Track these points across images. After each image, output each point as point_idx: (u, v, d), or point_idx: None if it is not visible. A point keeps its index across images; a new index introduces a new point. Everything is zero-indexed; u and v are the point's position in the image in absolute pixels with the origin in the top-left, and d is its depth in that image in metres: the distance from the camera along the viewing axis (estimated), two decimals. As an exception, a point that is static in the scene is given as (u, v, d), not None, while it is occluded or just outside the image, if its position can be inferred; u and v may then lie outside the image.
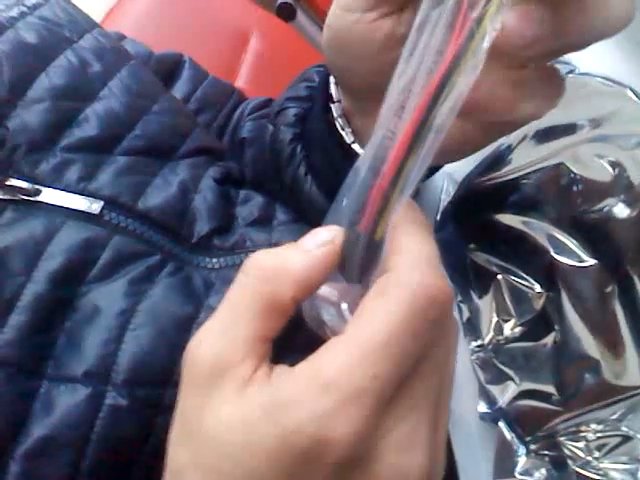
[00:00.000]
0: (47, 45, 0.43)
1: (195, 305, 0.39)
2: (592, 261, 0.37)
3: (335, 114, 0.38)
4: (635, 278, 0.35)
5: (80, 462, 0.34)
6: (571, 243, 0.38)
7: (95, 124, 0.42)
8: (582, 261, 0.37)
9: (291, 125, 0.45)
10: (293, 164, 0.45)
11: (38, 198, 0.38)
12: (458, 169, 0.49)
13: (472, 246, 0.43)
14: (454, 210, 0.47)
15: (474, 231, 0.44)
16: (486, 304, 0.41)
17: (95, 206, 0.39)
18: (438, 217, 0.48)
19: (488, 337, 0.40)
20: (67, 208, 0.38)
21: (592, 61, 0.42)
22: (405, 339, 0.20)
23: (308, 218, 0.47)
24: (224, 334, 0.22)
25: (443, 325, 0.21)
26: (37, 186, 0.38)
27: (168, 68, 0.57)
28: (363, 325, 0.20)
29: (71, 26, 0.46)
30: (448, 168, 0.49)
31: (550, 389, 0.36)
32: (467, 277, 0.43)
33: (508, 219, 0.42)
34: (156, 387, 0.36)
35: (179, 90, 0.56)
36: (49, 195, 0.38)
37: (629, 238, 0.37)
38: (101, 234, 0.38)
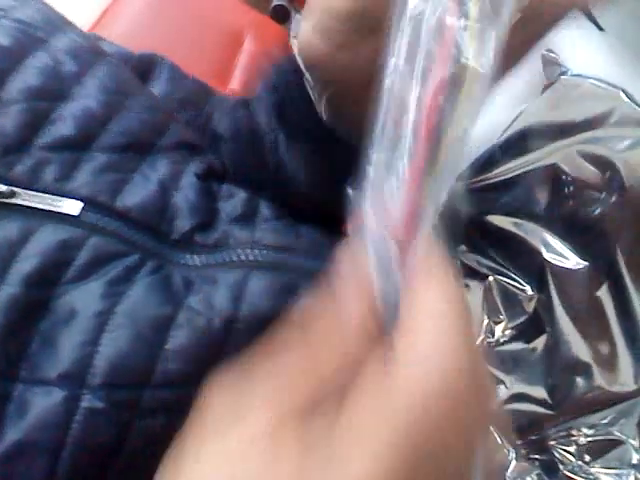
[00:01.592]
0: (21, 47, 0.43)
1: (173, 305, 0.38)
2: (584, 263, 0.36)
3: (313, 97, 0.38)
4: (627, 280, 0.35)
5: (56, 466, 0.33)
6: (563, 245, 0.38)
7: (71, 123, 0.42)
8: (574, 263, 0.37)
9: (268, 113, 0.45)
10: (275, 151, 0.45)
11: (13, 200, 0.37)
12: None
13: (463, 247, 0.43)
14: (445, 211, 0.46)
15: (465, 232, 0.44)
16: (477, 306, 0.40)
17: (72, 206, 0.39)
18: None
19: (479, 339, 0.39)
20: (43, 210, 0.38)
21: (585, 63, 0.42)
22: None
23: (294, 207, 0.47)
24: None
25: None
26: (13, 188, 0.37)
27: (145, 68, 0.56)
28: (360, 412, 0.20)
29: (46, 27, 0.46)
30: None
31: (541, 393, 0.35)
32: (457, 277, 0.42)
33: (499, 220, 0.41)
34: (133, 389, 0.35)
35: (157, 90, 0.55)
36: (25, 197, 0.38)
37: (621, 240, 0.36)
38: (78, 235, 0.38)
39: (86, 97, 0.44)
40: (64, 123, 0.42)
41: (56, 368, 0.34)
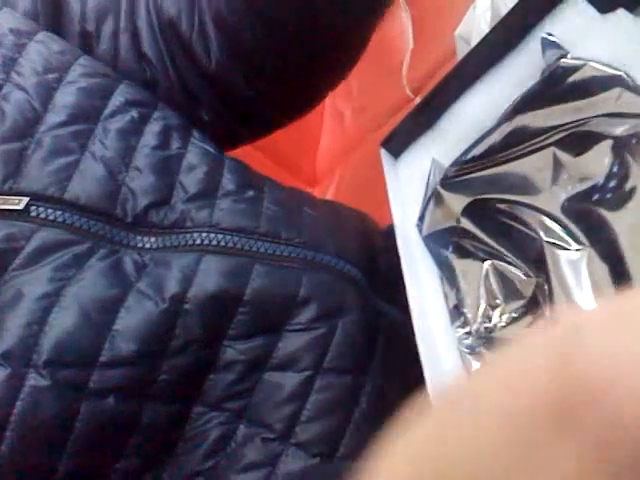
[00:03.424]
0: None
1: (123, 288, 0.39)
2: (584, 248, 0.36)
3: None
4: (628, 266, 0.34)
5: None
6: (562, 230, 0.37)
7: (9, 114, 0.42)
8: (573, 248, 0.36)
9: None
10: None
11: None
12: (445, 155, 0.47)
13: (459, 231, 0.42)
14: (441, 196, 0.46)
15: (462, 216, 0.43)
16: (473, 290, 0.40)
17: (18, 202, 0.39)
18: (425, 204, 0.47)
19: (475, 324, 0.39)
20: None
21: (586, 45, 0.42)
22: None
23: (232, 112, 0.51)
24: None
25: None
26: None
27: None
28: None
29: None
30: (435, 154, 0.48)
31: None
32: (454, 263, 0.42)
33: (497, 204, 0.41)
34: (80, 369, 0.36)
35: (72, 15, 0.53)
36: None
37: (622, 225, 0.36)
38: (25, 229, 0.38)
39: (16, 85, 0.43)
40: (1, 114, 0.41)
41: (0, 347, 0.34)
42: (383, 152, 0.51)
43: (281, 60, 0.52)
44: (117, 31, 0.53)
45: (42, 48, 0.46)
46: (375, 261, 0.53)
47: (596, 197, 0.37)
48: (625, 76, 0.40)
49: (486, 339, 0.38)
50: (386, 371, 0.46)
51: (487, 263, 0.40)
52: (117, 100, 0.46)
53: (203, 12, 0.51)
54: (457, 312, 0.40)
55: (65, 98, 0.44)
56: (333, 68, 0.57)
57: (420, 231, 0.46)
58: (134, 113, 0.46)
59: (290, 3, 0.48)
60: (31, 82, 0.44)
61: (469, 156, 0.44)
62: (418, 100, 0.54)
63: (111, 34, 0.53)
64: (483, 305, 0.39)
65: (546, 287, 0.36)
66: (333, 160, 1.23)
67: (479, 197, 0.42)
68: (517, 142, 0.42)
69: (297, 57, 0.53)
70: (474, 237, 0.41)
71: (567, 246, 0.36)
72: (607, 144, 0.38)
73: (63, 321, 0.36)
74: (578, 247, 0.36)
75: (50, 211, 0.39)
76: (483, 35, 0.45)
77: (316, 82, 0.58)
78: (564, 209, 0.38)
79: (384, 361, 0.46)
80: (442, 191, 0.45)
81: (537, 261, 0.37)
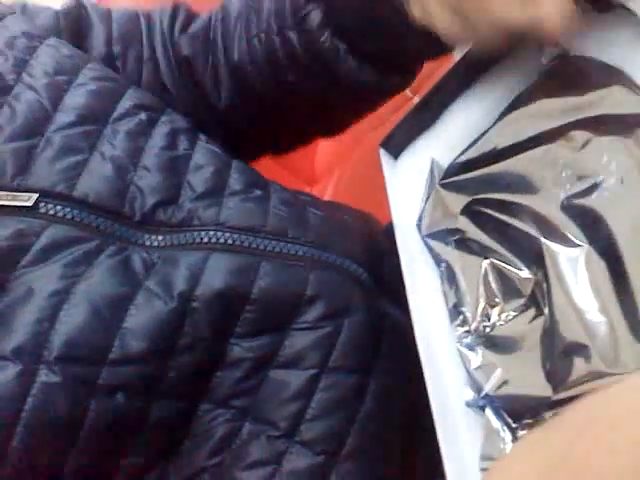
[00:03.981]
0: None
1: (132, 286, 0.39)
2: (582, 246, 0.36)
3: None
4: (626, 263, 0.35)
5: (10, 441, 0.33)
6: (561, 227, 0.37)
7: (19, 113, 0.42)
8: (572, 245, 0.36)
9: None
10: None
11: None
12: (444, 155, 0.48)
13: (459, 231, 0.42)
14: (440, 196, 0.46)
15: (460, 216, 0.43)
16: (473, 289, 0.40)
17: (28, 199, 0.39)
18: (425, 204, 0.47)
19: (475, 323, 0.39)
20: (1, 205, 0.39)
21: (584, 43, 0.42)
22: None
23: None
24: None
25: None
26: None
27: (76, 18, 0.55)
28: None
29: None
30: (434, 154, 0.48)
31: (538, 376, 0.35)
32: (453, 262, 0.42)
33: (496, 203, 0.41)
34: (90, 365, 0.36)
35: (98, 37, 0.55)
36: None
37: (620, 223, 0.36)
38: (36, 225, 0.39)
39: (27, 85, 0.44)
40: (13, 115, 0.42)
41: (10, 343, 0.35)
42: (382, 152, 0.51)
43: (292, 100, 0.55)
44: (141, 57, 0.55)
45: (53, 51, 0.47)
46: (380, 262, 0.53)
47: (594, 195, 0.37)
48: (624, 75, 0.40)
49: (485, 338, 0.38)
50: (390, 371, 0.46)
51: (486, 262, 0.40)
52: (126, 103, 0.47)
53: (217, 59, 0.53)
54: (456, 311, 0.40)
55: (75, 100, 0.45)
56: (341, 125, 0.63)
57: (420, 230, 0.46)
58: (142, 116, 0.47)
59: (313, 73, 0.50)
60: (42, 83, 0.44)
61: (468, 155, 0.44)
62: (417, 99, 0.55)
63: (136, 59, 0.55)
64: (482, 304, 0.39)
65: (544, 285, 0.36)
66: (332, 159, 1.23)
67: (478, 196, 0.42)
68: (515, 141, 0.42)
69: (307, 107, 0.56)
70: (473, 236, 0.42)
71: (565, 244, 0.37)
72: (605, 142, 0.38)
73: (73, 318, 0.36)
74: (576, 245, 0.36)
75: (59, 208, 0.40)
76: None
77: (318, 133, 0.64)
78: (563, 207, 0.38)
79: (388, 361, 0.46)
80: (441, 191, 0.45)
81: (536, 259, 0.37)
